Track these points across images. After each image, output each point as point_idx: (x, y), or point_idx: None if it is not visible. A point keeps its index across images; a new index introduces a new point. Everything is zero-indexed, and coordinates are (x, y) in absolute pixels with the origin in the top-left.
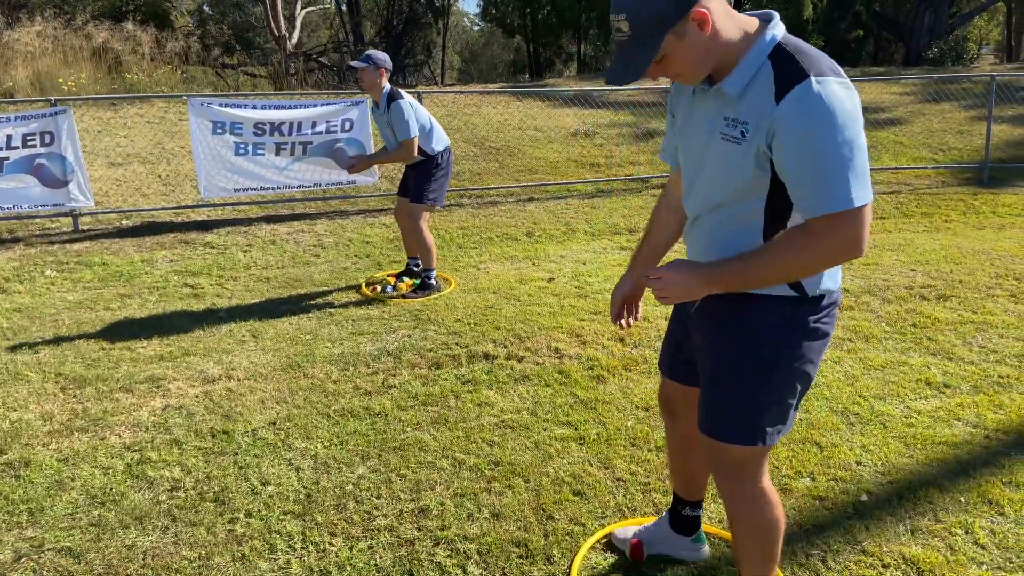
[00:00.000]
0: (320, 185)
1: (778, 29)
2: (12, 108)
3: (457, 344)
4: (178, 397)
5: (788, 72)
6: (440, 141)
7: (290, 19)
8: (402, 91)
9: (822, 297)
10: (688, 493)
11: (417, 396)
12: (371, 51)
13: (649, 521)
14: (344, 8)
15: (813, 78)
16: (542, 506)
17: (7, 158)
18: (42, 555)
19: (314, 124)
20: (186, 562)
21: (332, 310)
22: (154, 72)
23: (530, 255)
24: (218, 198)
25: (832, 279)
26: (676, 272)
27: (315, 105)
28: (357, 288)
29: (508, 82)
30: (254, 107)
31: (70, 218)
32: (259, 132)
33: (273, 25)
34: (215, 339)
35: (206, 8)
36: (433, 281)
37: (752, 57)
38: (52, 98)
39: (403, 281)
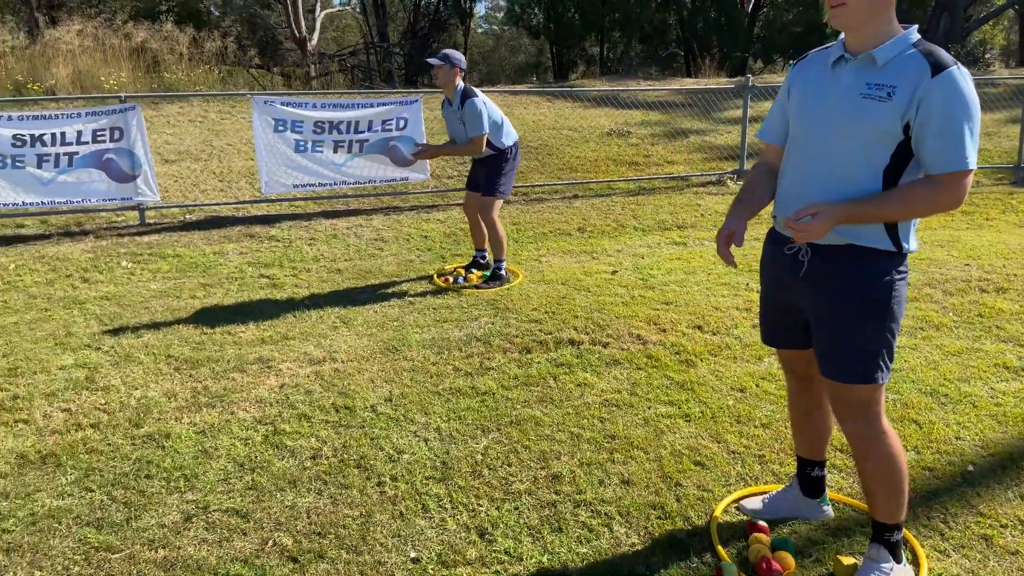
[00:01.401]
0: (374, 182)
1: (916, 32)
2: (76, 104)
3: (541, 331)
4: (291, 376)
5: (939, 58)
6: (509, 136)
7: (311, 21)
8: (475, 89)
9: (905, 256)
10: (813, 453)
11: (517, 377)
12: (448, 51)
13: (774, 489)
14: (369, 10)
15: (956, 67)
16: (668, 475)
17: (76, 153)
18: (210, 515)
19: (370, 123)
20: (349, 519)
21: (410, 299)
22: (192, 72)
23: (586, 249)
24: (276, 194)
25: (915, 242)
26: (819, 207)
27: (372, 105)
28: (429, 279)
29: (515, 83)
30: (314, 106)
31: (136, 212)
32: (319, 130)
33: (294, 27)
34: (308, 325)
35: (231, 11)
36: (504, 272)
37: (900, 41)
38: (122, 95)
39: (472, 272)
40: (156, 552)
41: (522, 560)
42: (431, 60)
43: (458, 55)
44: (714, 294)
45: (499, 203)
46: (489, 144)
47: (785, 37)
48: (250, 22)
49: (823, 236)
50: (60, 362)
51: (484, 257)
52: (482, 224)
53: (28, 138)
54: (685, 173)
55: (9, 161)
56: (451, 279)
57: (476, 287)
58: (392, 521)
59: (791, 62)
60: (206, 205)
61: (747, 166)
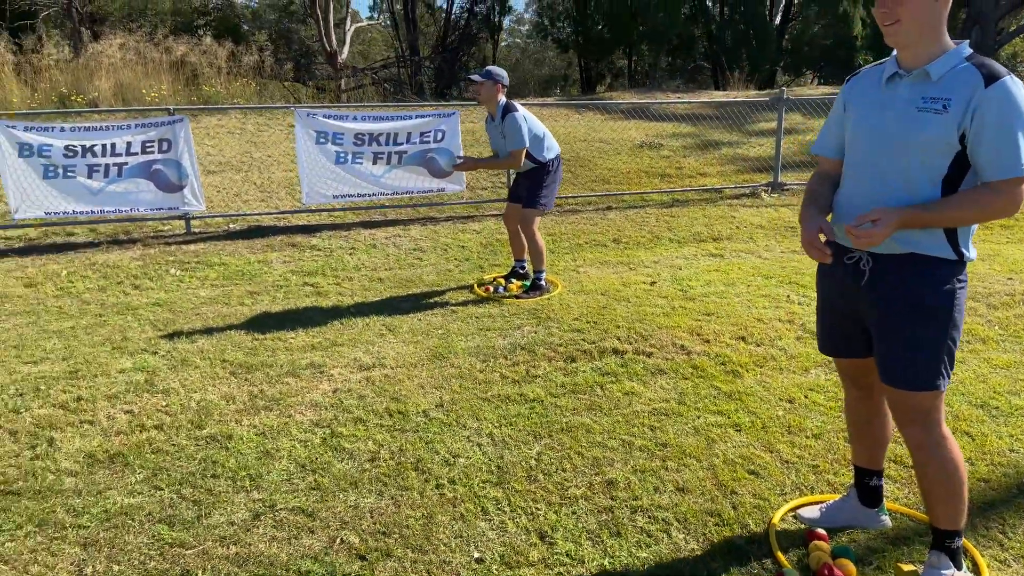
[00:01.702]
0: (412, 193)
1: (968, 47)
2: (117, 116)
3: (584, 340)
4: (343, 382)
5: (991, 69)
6: (551, 149)
7: (341, 35)
8: (517, 104)
9: (965, 264)
10: (871, 462)
11: (564, 385)
12: (490, 67)
13: (831, 498)
14: (400, 24)
15: (1008, 76)
16: (722, 483)
17: (126, 163)
18: (277, 514)
19: (409, 135)
20: (412, 520)
21: (453, 308)
22: (230, 85)
23: (623, 260)
24: (316, 204)
25: (974, 250)
26: (879, 212)
27: (411, 117)
28: (470, 288)
29: (540, 96)
30: (355, 118)
31: (182, 221)
32: (359, 142)
33: (325, 41)
34: (355, 332)
35: (261, 25)
36: (543, 282)
37: (953, 55)
38: (171, 107)
39: (512, 282)
40: (228, 548)
41: (584, 563)
42: (473, 76)
43: (500, 71)
44: (755, 306)
45: (540, 215)
46: (530, 157)
47: (814, 51)
48: (286, 36)
49: (883, 241)
50: (119, 365)
51: (523, 267)
52: (522, 235)
53: (79, 149)
54: (718, 185)
55: (61, 171)
56: (491, 289)
57: (516, 297)
58: (453, 522)
59: (846, 77)
60: (248, 215)
61: (781, 178)
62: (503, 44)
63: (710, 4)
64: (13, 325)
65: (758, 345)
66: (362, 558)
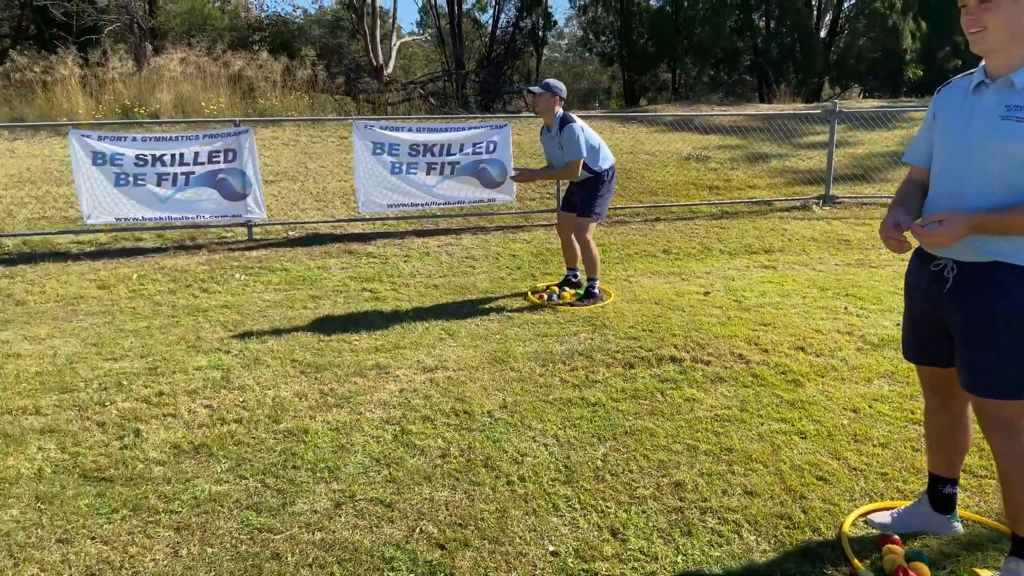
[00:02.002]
0: (463, 202)
1: None
2: (177, 127)
3: (640, 347)
4: (408, 382)
5: None
6: (606, 160)
7: (386, 49)
8: (573, 115)
9: None
10: (949, 470)
11: (624, 391)
12: (548, 80)
13: (902, 504)
14: (446, 39)
15: None
16: (790, 487)
17: (193, 172)
18: (357, 503)
19: (462, 146)
20: (486, 513)
21: (508, 314)
22: (284, 98)
23: (674, 271)
24: (371, 213)
25: None
26: (947, 214)
27: (464, 129)
28: (523, 296)
29: (579, 109)
30: (410, 130)
31: (245, 228)
32: (413, 153)
33: (372, 56)
34: (416, 336)
35: (306, 40)
36: (597, 291)
37: None
38: (236, 119)
39: (566, 290)
40: (314, 535)
41: (657, 559)
42: (532, 88)
43: (558, 84)
44: (812, 317)
45: (594, 224)
46: (586, 167)
47: (861, 64)
48: (336, 51)
49: (951, 244)
50: (195, 363)
51: (576, 276)
52: (575, 244)
53: (150, 158)
54: (768, 198)
55: (132, 179)
56: (545, 296)
57: (571, 304)
58: (526, 517)
59: (937, 88)
60: (306, 223)
61: (833, 191)
62: (542, 57)
63: (756, 17)
64: (91, 324)
65: (818, 356)
66: (441, 547)
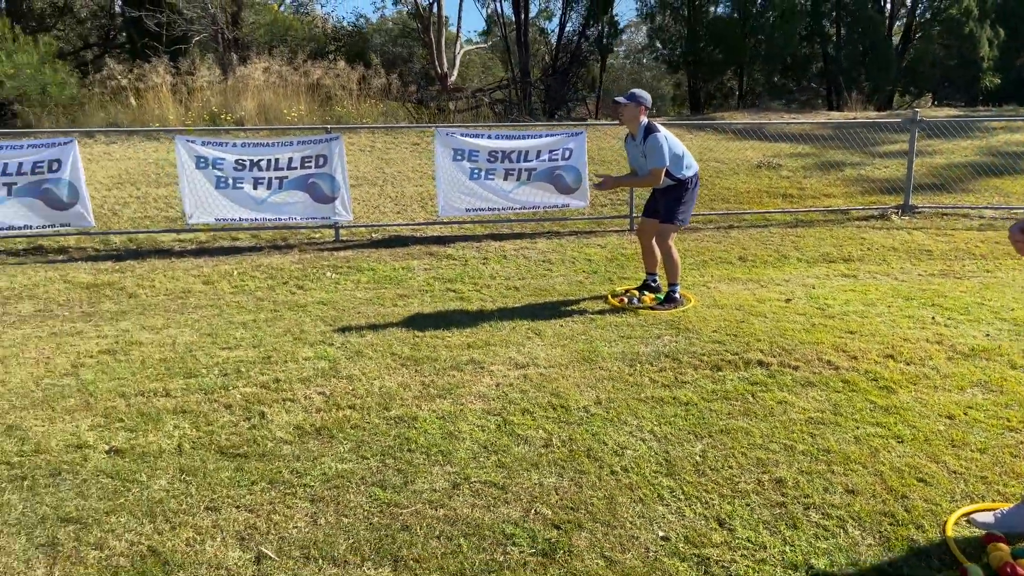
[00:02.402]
0: (538, 208)
1: None
2: (260, 134)
3: (726, 351)
4: (503, 377)
5: None
6: (690, 168)
7: (451, 57)
8: (658, 124)
9: None
10: None
11: (714, 392)
12: (634, 90)
13: (1005, 506)
14: (511, 47)
15: None
16: (891, 487)
17: (286, 176)
18: (472, 485)
19: (539, 152)
20: (595, 499)
21: (591, 316)
22: (360, 105)
23: (752, 278)
24: (449, 217)
25: None
26: None
27: (541, 136)
28: (603, 299)
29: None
30: (489, 137)
31: (332, 230)
32: (492, 159)
33: (436, 64)
34: (504, 334)
35: (368, 48)
36: (678, 295)
37: None
38: (328, 126)
39: (645, 295)
40: (437, 511)
41: (766, 548)
42: (618, 99)
43: (644, 94)
44: (899, 326)
45: (676, 230)
46: (669, 175)
47: (935, 71)
48: (404, 60)
49: None
50: (303, 354)
51: (655, 280)
52: (655, 249)
53: (248, 162)
54: (844, 206)
55: (231, 182)
56: (626, 300)
57: (651, 308)
58: (634, 504)
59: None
60: (388, 225)
61: (913, 200)
62: (596, 64)
63: (826, 24)
64: (201, 316)
65: (908, 364)
66: (557, 527)
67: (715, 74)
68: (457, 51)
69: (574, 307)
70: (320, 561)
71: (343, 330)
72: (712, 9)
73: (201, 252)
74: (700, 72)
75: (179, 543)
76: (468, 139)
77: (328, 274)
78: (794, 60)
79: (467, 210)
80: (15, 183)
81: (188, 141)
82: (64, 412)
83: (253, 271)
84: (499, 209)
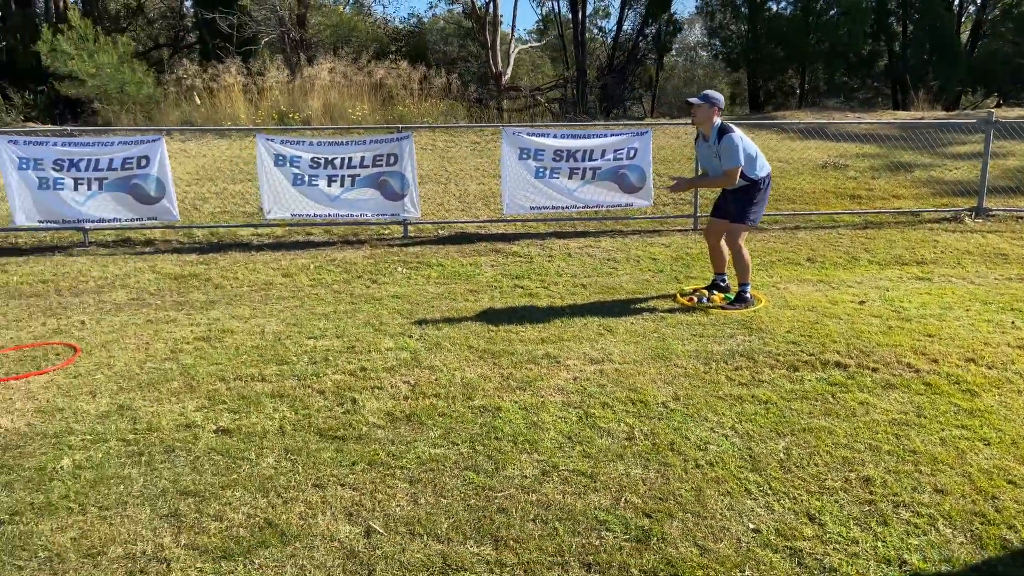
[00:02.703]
0: (602, 206)
1: None
2: (324, 133)
3: (802, 351)
4: (579, 372)
5: None
6: (763, 168)
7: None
8: (732, 125)
9: None
10: None
11: (793, 392)
12: (708, 91)
13: None
14: (568, 46)
15: None
16: (981, 488)
17: (359, 174)
18: (560, 473)
19: (603, 152)
20: (683, 491)
21: (660, 314)
22: (420, 105)
23: (822, 279)
24: (513, 214)
25: None
26: None
27: (606, 135)
28: (671, 297)
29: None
30: (555, 136)
31: (400, 226)
32: (557, 158)
33: (491, 63)
34: (576, 330)
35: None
36: (748, 295)
37: None
38: (399, 125)
39: (714, 294)
40: (529, 496)
41: (858, 543)
42: (691, 100)
43: (717, 95)
44: (979, 330)
45: (747, 231)
46: (743, 175)
47: (1006, 69)
48: (466, 60)
49: None
50: (384, 344)
51: (724, 280)
52: (723, 249)
53: (323, 160)
54: (915, 208)
55: (307, 178)
56: (695, 299)
57: (722, 308)
58: (722, 497)
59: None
60: (454, 223)
61: (986, 203)
62: (648, 62)
63: (892, 21)
64: (284, 307)
65: (990, 368)
66: (648, 516)
67: (776, 72)
68: (511, 50)
69: (643, 305)
70: (425, 537)
71: (420, 323)
72: (772, 6)
73: (278, 246)
74: (760, 70)
75: (293, 517)
76: (534, 138)
77: (399, 269)
78: (859, 58)
79: (531, 208)
80: (106, 178)
81: (268, 139)
82: (169, 394)
83: (328, 265)
84: (563, 207)
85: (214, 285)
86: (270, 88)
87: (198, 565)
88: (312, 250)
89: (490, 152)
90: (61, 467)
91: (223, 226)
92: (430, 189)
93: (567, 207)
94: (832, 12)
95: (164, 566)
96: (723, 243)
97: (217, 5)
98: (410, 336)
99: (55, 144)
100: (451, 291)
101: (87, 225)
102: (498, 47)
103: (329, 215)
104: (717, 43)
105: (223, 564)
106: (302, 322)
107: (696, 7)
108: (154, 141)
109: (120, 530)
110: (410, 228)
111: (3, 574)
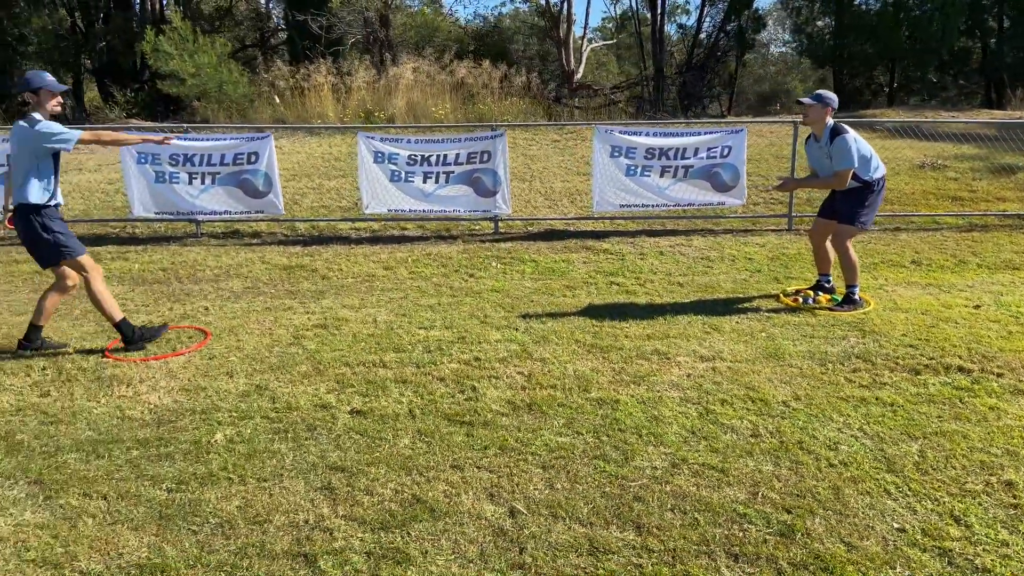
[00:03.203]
0: (693, 205)
1: None
2: (408, 131)
3: (921, 355)
4: (691, 368)
5: None
6: (878, 169)
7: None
8: (845, 126)
9: None
10: None
11: (919, 395)
12: (821, 91)
13: None
14: (646, 43)
15: None
16: None
17: (453, 171)
18: (690, 466)
19: (696, 150)
20: (820, 489)
21: (766, 314)
22: (500, 103)
23: (931, 282)
24: (602, 212)
25: None
26: None
27: (699, 134)
28: (775, 297)
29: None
30: (647, 134)
31: (490, 222)
32: (649, 156)
33: (564, 61)
34: (680, 328)
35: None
36: (857, 297)
37: None
38: (493, 123)
39: (820, 295)
40: (663, 486)
41: (1008, 545)
42: (803, 100)
43: (831, 95)
44: None
45: (857, 233)
46: (856, 177)
47: None
48: (544, 58)
49: None
50: (493, 336)
51: (828, 281)
52: (828, 250)
53: (419, 158)
54: (1021, 211)
55: (403, 175)
56: (800, 300)
57: (829, 309)
58: (861, 496)
59: None
60: (542, 219)
61: None
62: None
63: (987, 18)
64: (390, 298)
65: None
66: (788, 511)
67: (865, 69)
68: (584, 48)
69: (745, 304)
70: (568, 520)
71: (523, 316)
72: (860, 2)
73: (375, 240)
74: (848, 67)
75: (438, 494)
76: (626, 136)
77: (494, 264)
78: (952, 55)
79: (621, 206)
80: (218, 173)
81: (368, 137)
82: (300, 376)
83: (425, 259)
84: (653, 206)
85: (321, 276)
86: (357, 88)
87: (359, 535)
88: (407, 244)
89: (571, 150)
90: (215, 441)
91: (322, 220)
92: (516, 187)
93: (657, 205)
94: (926, 7)
95: (327, 535)
96: (828, 244)
97: (309, 7)
98: (515, 329)
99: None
100: (547, 287)
101: (199, 217)
102: (571, 45)
103: (423, 211)
104: (804, 39)
105: (382, 535)
106: (410, 313)
107: (780, 2)
108: (264, 138)
109: (280, 500)
110: (500, 224)
111: (180, 536)
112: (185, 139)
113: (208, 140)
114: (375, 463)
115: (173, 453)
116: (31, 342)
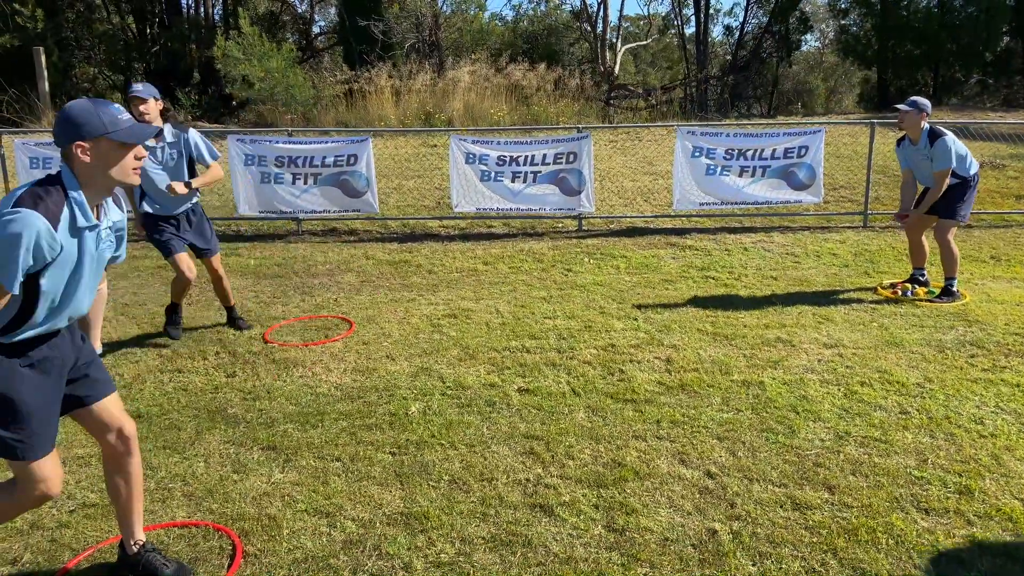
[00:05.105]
0: (771, 203)
1: None
2: (467, 132)
3: None
4: (817, 354)
5: None
6: (973, 165)
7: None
8: (942, 128)
9: None
10: None
11: None
12: (915, 98)
13: None
14: (689, 44)
15: None
16: None
17: (540, 171)
18: (854, 438)
19: (774, 151)
20: (981, 456)
21: (869, 305)
22: (554, 105)
23: (1016, 276)
24: (682, 210)
25: None
26: None
27: (778, 135)
28: (873, 290)
29: (789, 115)
30: (727, 135)
31: (574, 220)
32: (728, 156)
33: (600, 62)
34: (792, 318)
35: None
36: (955, 289)
37: None
38: (579, 125)
39: (917, 288)
40: (837, 455)
41: None
42: (900, 106)
43: (925, 101)
44: None
45: (957, 226)
46: (955, 174)
47: None
48: (591, 60)
49: None
50: (616, 326)
51: (923, 275)
52: (924, 244)
53: (508, 159)
54: None
55: (492, 175)
56: (899, 292)
57: (929, 301)
58: (1018, 462)
59: None
60: (623, 217)
61: None
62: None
63: None
64: (500, 291)
65: None
66: (959, 475)
67: (909, 70)
68: (619, 49)
69: (845, 296)
70: (762, 482)
71: (637, 307)
72: (905, 4)
73: (466, 237)
74: (892, 69)
75: (633, 459)
76: (707, 137)
77: (586, 259)
78: (996, 57)
79: (701, 204)
80: (320, 174)
81: (460, 139)
82: (455, 360)
83: (519, 255)
84: (731, 204)
85: (426, 271)
86: (417, 90)
87: (581, 491)
88: (498, 241)
89: (631, 151)
90: (411, 412)
91: (413, 218)
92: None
93: (735, 203)
94: (971, 9)
95: (552, 491)
96: (923, 238)
97: (369, 13)
98: (635, 319)
99: (275, 142)
100: (646, 280)
101: (300, 215)
102: (607, 45)
103: (510, 209)
104: (849, 39)
105: (601, 491)
106: (527, 304)
107: (827, 3)
108: (362, 141)
109: (495, 462)
110: (583, 222)
111: (425, 490)
112: (289, 142)
113: (311, 143)
114: (563, 433)
115: (379, 423)
116: (240, 319)
